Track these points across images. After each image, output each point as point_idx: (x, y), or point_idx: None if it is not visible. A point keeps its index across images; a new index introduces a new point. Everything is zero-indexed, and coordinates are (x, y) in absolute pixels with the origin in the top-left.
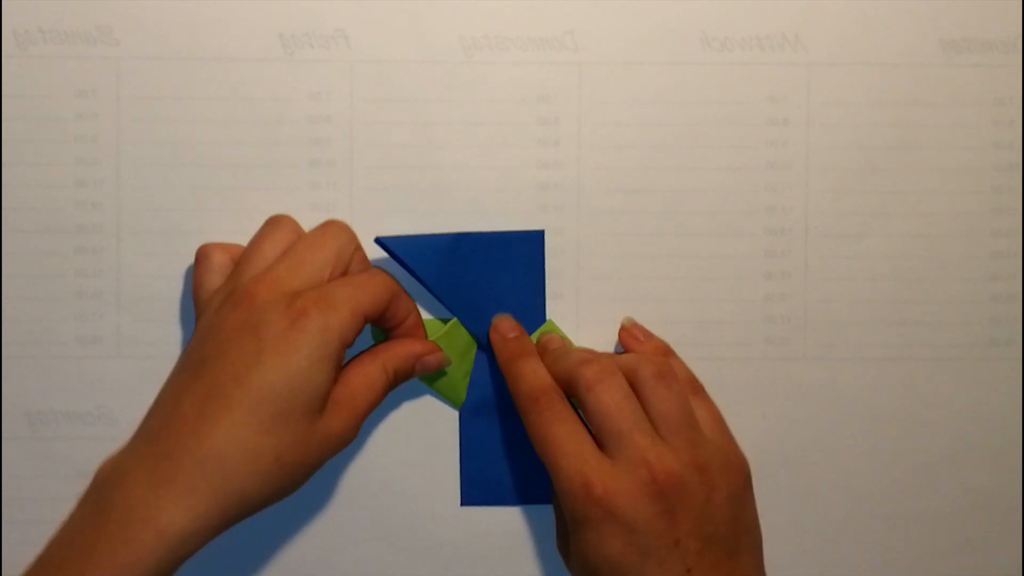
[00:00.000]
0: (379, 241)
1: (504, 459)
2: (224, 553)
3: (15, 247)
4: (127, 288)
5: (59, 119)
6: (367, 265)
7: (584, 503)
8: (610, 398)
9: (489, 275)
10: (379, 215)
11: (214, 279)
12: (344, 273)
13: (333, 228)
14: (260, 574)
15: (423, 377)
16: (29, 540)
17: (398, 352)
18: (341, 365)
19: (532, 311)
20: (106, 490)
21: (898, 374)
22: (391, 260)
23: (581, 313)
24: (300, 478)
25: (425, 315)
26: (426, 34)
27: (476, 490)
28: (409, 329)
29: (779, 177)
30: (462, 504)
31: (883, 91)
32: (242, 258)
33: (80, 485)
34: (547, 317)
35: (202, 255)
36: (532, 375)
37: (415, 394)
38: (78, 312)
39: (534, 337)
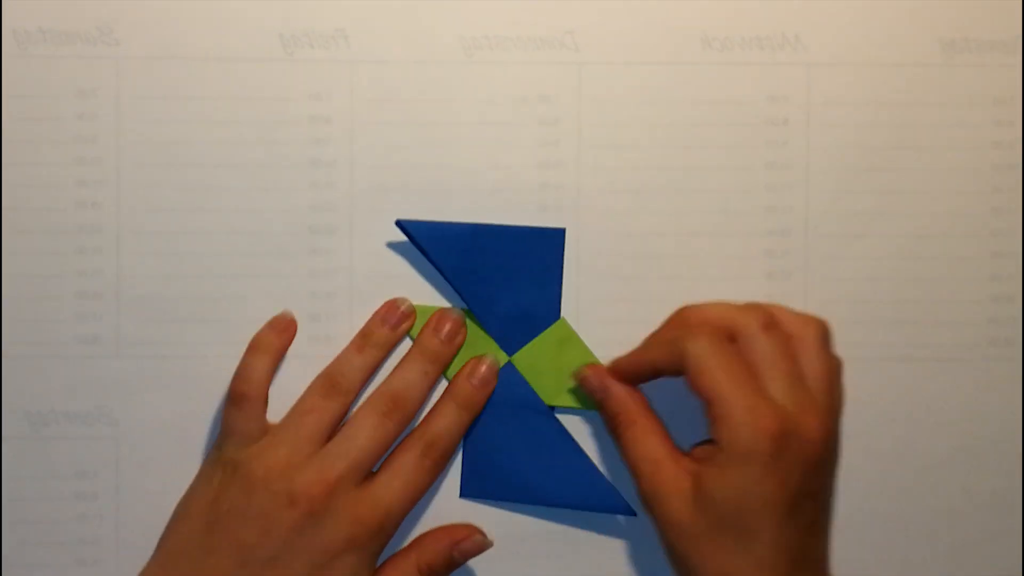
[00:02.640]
0: (400, 224)
1: (507, 455)
2: None
3: (15, 247)
4: (127, 288)
5: (59, 119)
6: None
7: (761, 436)
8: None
9: (506, 269)
10: (379, 215)
11: (256, 419)
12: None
13: (391, 421)
14: None
15: None
16: (29, 540)
17: (432, 548)
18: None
19: (546, 308)
20: None
21: (898, 374)
22: (410, 244)
23: (581, 313)
24: None
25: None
26: (426, 34)
27: (476, 483)
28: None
29: (779, 177)
30: (460, 496)
31: (883, 91)
32: (295, 422)
33: (80, 485)
34: (561, 316)
35: (239, 396)
36: (615, 398)
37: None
38: (78, 312)
39: (547, 334)
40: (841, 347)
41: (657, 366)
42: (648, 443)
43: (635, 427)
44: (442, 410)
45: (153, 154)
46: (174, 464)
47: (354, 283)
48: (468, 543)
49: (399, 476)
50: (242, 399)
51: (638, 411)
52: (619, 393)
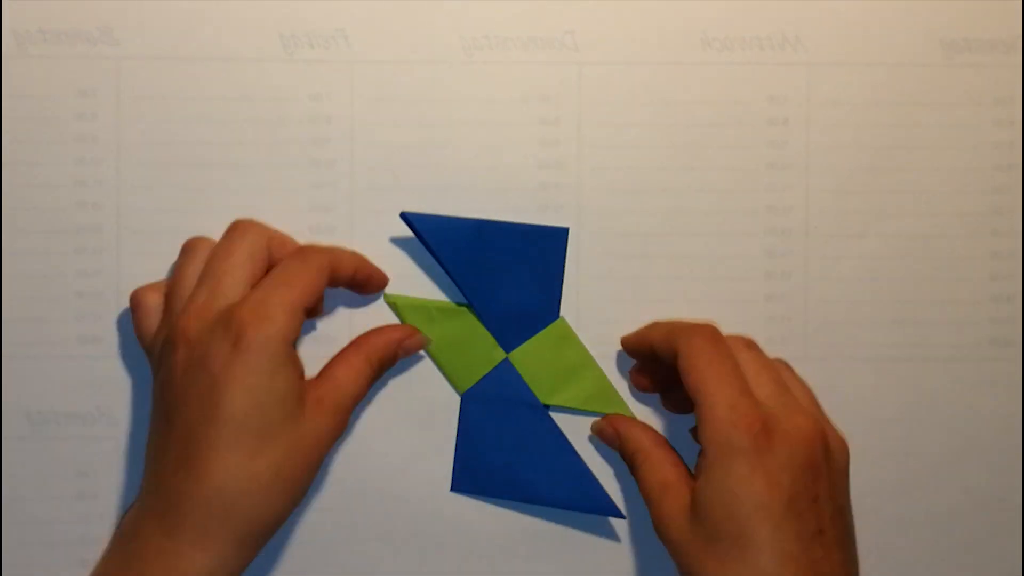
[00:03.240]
0: (404, 216)
1: (499, 452)
2: None
3: (15, 247)
4: (127, 288)
5: (59, 119)
6: (292, 247)
7: (743, 432)
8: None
9: (508, 265)
10: (379, 215)
11: (152, 323)
12: (270, 266)
13: (238, 229)
14: (259, 574)
15: (432, 354)
16: (29, 540)
17: (379, 344)
18: (298, 362)
19: (546, 307)
20: (127, 542)
21: (898, 374)
22: (409, 244)
23: (581, 313)
24: (304, 484)
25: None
26: (426, 34)
27: (467, 478)
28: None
29: (779, 177)
30: (451, 490)
31: (883, 91)
32: (168, 294)
33: (80, 485)
34: (560, 315)
35: (135, 303)
36: (632, 437)
37: (416, 393)
38: (78, 312)
39: (546, 333)
40: (841, 347)
41: (654, 349)
42: (659, 472)
43: (648, 460)
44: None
45: (153, 154)
46: None
47: None
48: (411, 342)
49: (275, 274)
50: (138, 304)
51: (651, 445)
52: (633, 433)
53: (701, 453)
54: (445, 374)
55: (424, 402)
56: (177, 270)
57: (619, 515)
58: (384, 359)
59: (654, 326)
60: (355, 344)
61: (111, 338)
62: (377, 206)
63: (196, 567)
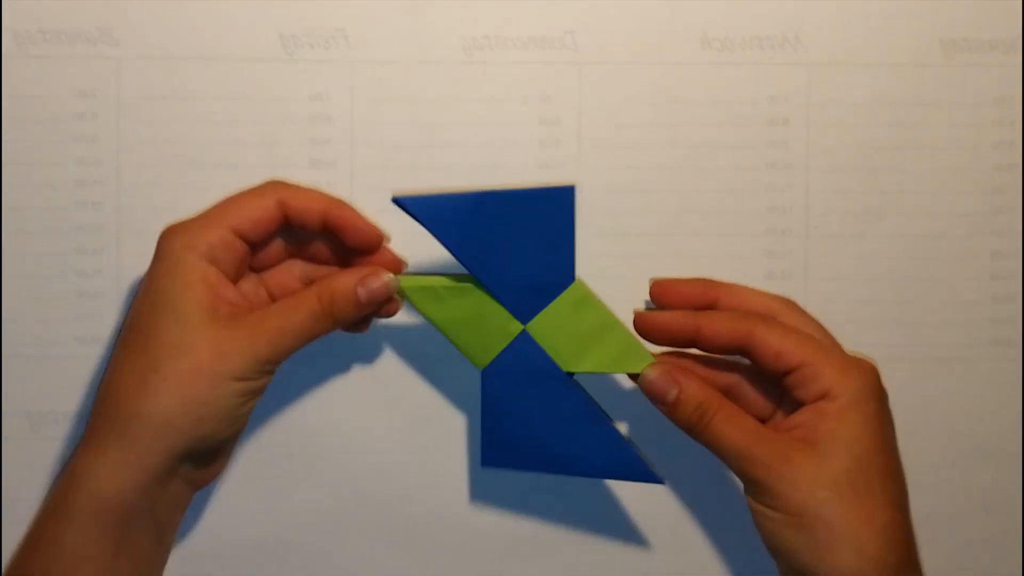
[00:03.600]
0: (396, 200)
1: (526, 425)
2: (226, 553)
3: (15, 247)
4: (127, 288)
5: (59, 119)
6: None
7: (866, 375)
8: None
9: (513, 235)
10: (379, 215)
11: None
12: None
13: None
14: (260, 572)
15: (446, 333)
16: None
17: (334, 279)
18: (213, 279)
19: (559, 272)
20: (66, 463)
21: (898, 374)
22: (409, 244)
23: None
24: (212, 407)
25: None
26: (426, 34)
27: (496, 452)
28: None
29: (779, 177)
30: (482, 464)
31: (883, 91)
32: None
33: None
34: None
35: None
36: (691, 395)
37: (417, 392)
38: (78, 312)
39: (562, 299)
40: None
41: (717, 335)
42: (744, 422)
43: (722, 413)
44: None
45: (153, 154)
46: None
47: None
48: (373, 279)
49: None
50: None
51: (719, 398)
52: (694, 383)
53: (821, 400)
54: (463, 353)
55: (425, 401)
56: None
57: (657, 480)
58: (338, 299)
59: (699, 317)
60: (315, 285)
61: (111, 338)
62: (377, 206)
63: (106, 482)
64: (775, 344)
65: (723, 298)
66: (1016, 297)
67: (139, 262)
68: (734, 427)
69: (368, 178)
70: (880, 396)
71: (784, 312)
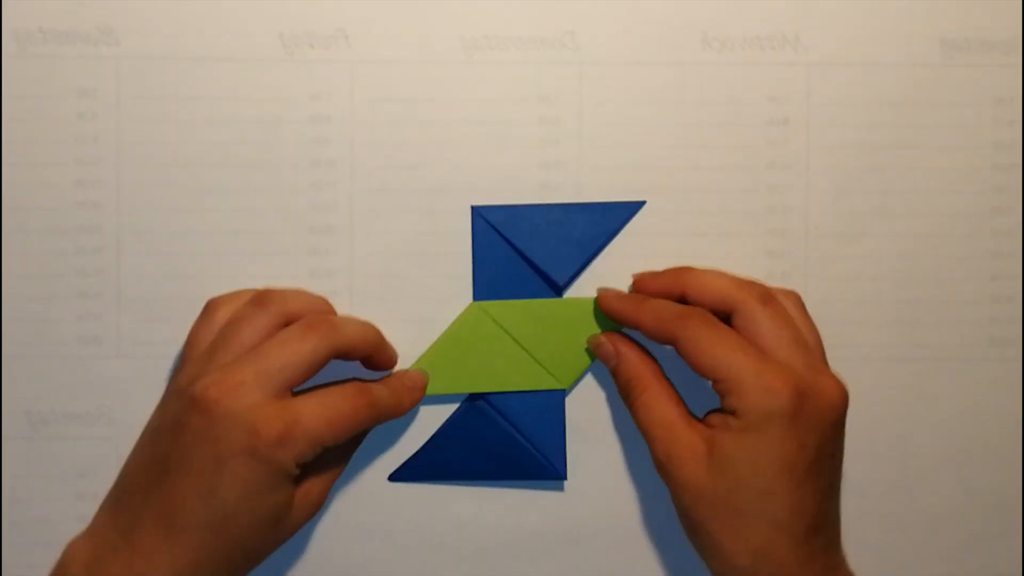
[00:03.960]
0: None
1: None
2: None
3: (15, 247)
4: (127, 288)
5: (59, 119)
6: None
7: (777, 398)
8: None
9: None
10: (379, 215)
11: (208, 338)
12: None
13: (315, 332)
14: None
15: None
16: (29, 540)
17: (386, 400)
18: (297, 475)
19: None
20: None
21: (898, 374)
22: (408, 244)
23: None
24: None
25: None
26: (426, 34)
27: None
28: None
29: (779, 177)
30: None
31: (883, 91)
32: (222, 334)
33: (80, 485)
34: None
35: (208, 309)
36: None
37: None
38: (78, 312)
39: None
40: (841, 347)
41: (644, 331)
42: (662, 408)
43: (648, 392)
44: (383, 383)
45: (153, 154)
46: None
47: (354, 283)
48: (419, 393)
49: (324, 399)
50: (209, 314)
51: (651, 377)
52: (633, 359)
53: (731, 414)
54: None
55: (424, 401)
56: (239, 321)
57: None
58: (391, 414)
59: (640, 306)
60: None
61: (111, 338)
62: (377, 206)
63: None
64: (695, 354)
65: (689, 288)
66: (1016, 297)
67: (139, 262)
68: (652, 412)
69: (368, 178)
70: (792, 422)
71: (747, 303)
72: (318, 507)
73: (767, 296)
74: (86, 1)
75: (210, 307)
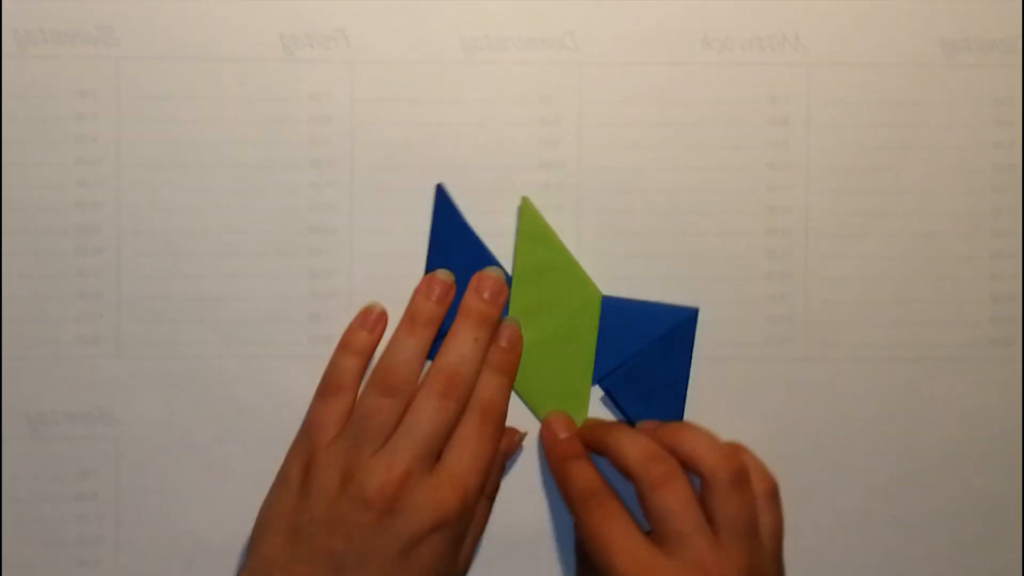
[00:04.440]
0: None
1: None
2: (227, 553)
3: (15, 247)
4: (127, 288)
5: (59, 119)
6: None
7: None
8: (675, 499)
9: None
10: (379, 215)
11: (335, 424)
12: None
13: (450, 399)
14: None
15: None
16: (29, 540)
17: (494, 477)
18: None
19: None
20: None
21: (898, 374)
22: (409, 245)
23: None
24: None
25: None
26: (426, 34)
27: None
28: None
29: (779, 177)
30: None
31: (883, 91)
32: (358, 425)
33: (80, 485)
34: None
35: (327, 392)
36: (583, 476)
37: None
38: (78, 312)
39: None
40: (841, 347)
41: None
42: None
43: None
44: (485, 378)
45: (153, 154)
46: (174, 464)
47: (354, 283)
48: (509, 446)
49: (467, 450)
50: (329, 391)
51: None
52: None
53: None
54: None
55: None
56: (370, 412)
57: None
58: (498, 485)
59: (622, 445)
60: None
61: (111, 338)
62: (377, 206)
63: None
64: (587, 541)
65: (674, 446)
66: (1016, 297)
67: (139, 262)
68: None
69: (368, 178)
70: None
71: (715, 479)
72: (471, 558)
73: (739, 479)
74: (86, 1)
75: (324, 393)
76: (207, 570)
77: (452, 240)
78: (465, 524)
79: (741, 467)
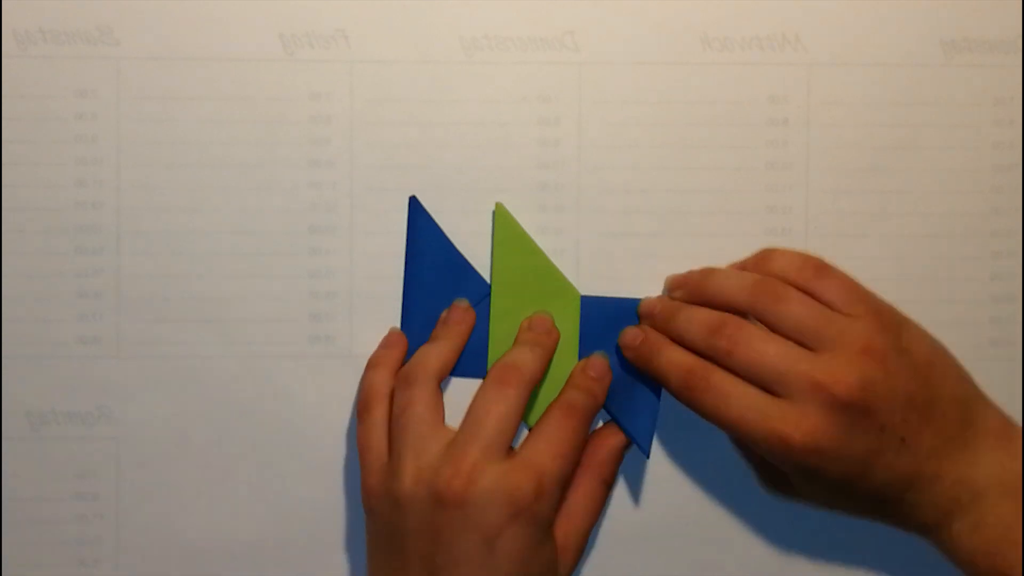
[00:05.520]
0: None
1: None
2: (226, 553)
3: (15, 247)
4: (127, 288)
5: (59, 119)
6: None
7: (792, 455)
8: (754, 353)
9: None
10: (379, 215)
11: (380, 438)
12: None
13: (509, 386)
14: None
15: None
16: (29, 540)
17: (606, 459)
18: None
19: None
20: None
21: None
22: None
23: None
24: None
25: None
26: (426, 34)
27: None
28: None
29: (779, 177)
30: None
31: (883, 91)
32: (401, 426)
33: (80, 485)
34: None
35: (362, 414)
36: (673, 363)
37: None
38: (78, 312)
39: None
40: None
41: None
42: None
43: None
44: (569, 391)
45: (153, 154)
46: (174, 464)
47: (354, 283)
48: (618, 440)
49: (542, 437)
50: (365, 412)
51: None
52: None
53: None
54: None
55: None
56: (412, 422)
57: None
58: (615, 471)
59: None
60: (585, 467)
61: (111, 338)
62: (377, 206)
63: None
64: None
65: (706, 296)
66: (1016, 297)
67: (139, 262)
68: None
69: (368, 178)
70: (808, 468)
71: (757, 307)
72: (584, 542)
73: (778, 295)
74: (86, 1)
75: (361, 411)
76: (207, 570)
77: (428, 250)
78: (548, 511)
79: (816, 263)
